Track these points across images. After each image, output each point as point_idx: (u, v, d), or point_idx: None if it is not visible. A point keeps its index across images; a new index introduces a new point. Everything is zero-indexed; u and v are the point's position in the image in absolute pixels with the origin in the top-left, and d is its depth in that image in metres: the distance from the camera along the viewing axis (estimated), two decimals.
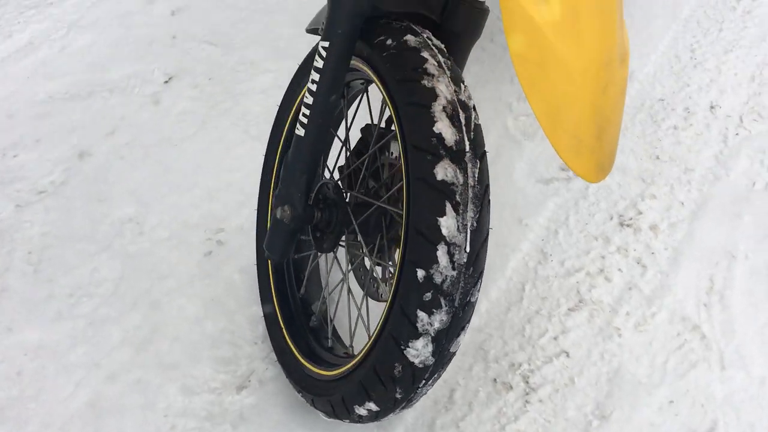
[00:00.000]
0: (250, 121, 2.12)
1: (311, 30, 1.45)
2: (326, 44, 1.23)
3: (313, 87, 1.26)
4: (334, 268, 1.52)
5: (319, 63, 1.24)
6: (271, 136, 1.61)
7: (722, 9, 2.47)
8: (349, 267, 1.40)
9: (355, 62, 1.27)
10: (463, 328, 1.14)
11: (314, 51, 1.45)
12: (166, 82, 2.25)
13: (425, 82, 1.13)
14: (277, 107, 1.61)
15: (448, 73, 1.15)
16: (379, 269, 1.39)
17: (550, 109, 0.84)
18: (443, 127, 1.09)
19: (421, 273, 1.08)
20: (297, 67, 2.26)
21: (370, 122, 1.44)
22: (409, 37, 1.20)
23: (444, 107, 1.11)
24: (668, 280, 1.69)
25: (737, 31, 2.38)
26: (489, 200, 1.12)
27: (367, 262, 1.37)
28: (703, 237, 1.77)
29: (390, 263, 1.35)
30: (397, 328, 1.11)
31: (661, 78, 2.21)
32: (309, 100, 1.27)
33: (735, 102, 2.13)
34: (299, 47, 2.35)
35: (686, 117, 2.09)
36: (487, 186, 1.12)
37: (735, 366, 1.54)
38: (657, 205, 1.85)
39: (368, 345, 1.19)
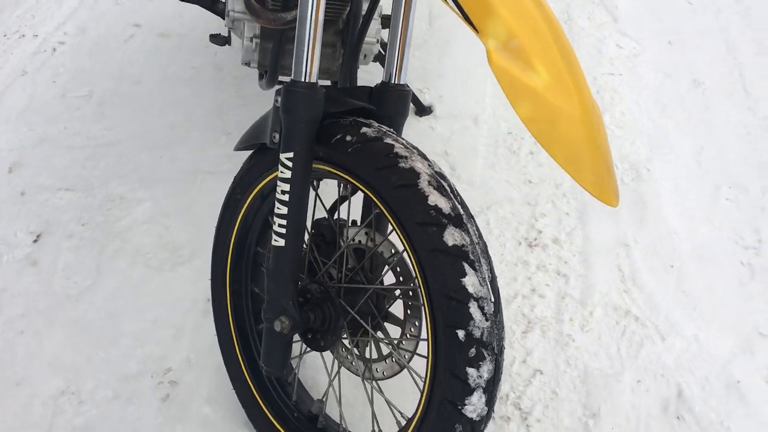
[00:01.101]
0: (148, 254, 2.05)
1: (246, 147, 1.48)
2: (290, 155, 1.28)
3: (285, 197, 1.30)
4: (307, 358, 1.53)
5: (285, 173, 1.29)
6: (214, 256, 1.60)
7: None
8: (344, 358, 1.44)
9: (315, 165, 1.33)
10: (502, 371, 1.23)
11: (249, 166, 1.49)
12: (35, 240, 2.10)
13: (403, 164, 1.23)
14: (215, 228, 1.60)
15: (415, 151, 1.26)
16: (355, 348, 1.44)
17: (569, 156, 0.99)
18: (437, 199, 1.19)
19: (461, 333, 1.15)
20: (172, 188, 2.25)
21: (320, 216, 1.50)
22: (365, 129, 1.29)
23: (429, 181, 1.21)
24: (589, 281, 1.91)
25: None
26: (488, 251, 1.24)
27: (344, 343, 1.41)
28: (597, 236, 2.03)
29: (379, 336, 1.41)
30: (450, 391, 1.17)
31: (501, 114, 2.50)
32: (282, 210, 1.30)
33: None
34: (164, 169, 2.33)
35: (535, 141, 2.38)
36: (484, 239, 1.24)
37: (671, 334, 1.79)
38: (549, 221, 2.09)
39: (418, 416, 1.24)
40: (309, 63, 1.26)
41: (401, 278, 1.39)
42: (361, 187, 1.27)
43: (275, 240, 1.33)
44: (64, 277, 1.99)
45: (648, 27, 2.88)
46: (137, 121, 2.54)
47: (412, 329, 1.39)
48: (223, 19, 2.22)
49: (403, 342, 1.40)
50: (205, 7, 2.17)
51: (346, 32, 1.78)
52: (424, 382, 1.23)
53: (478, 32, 1.04)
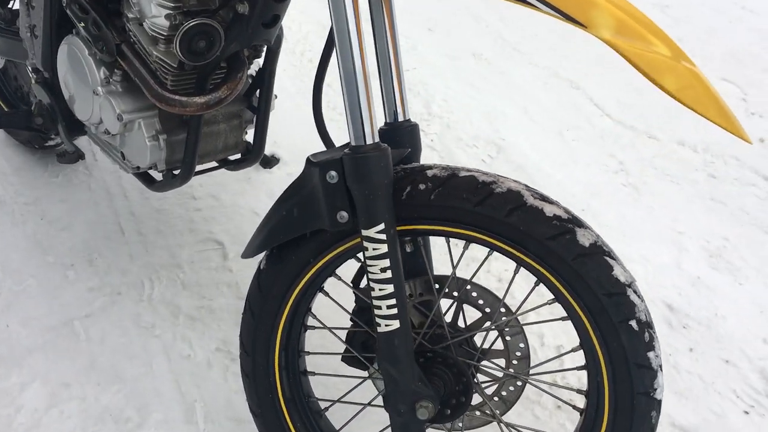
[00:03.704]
0: None
1: (269, 246, 1.26)
2: (380, 227, 1.12)
3: (387, 274, 1.14)
4: None
5: (380, 248, 1.12)
6: (256, 387, 1.33)
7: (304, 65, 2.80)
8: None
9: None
10: None
11: (277, 270, 1.28)
12: None
13: (498, 188, 1.15)
14: (241, 362, 1.34)
15: (492, 172, 1.20)
16: None
17: (719, 112, 1.02)
18: (552, 209, 1.14)
19: (633, 323, 1.13)
20: (51, 353, 1.78)
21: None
22: (430, 172, 1.18)
23: (533, 195, 1.15)
24: None
25: None
26: None
27: None
28: None
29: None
30: (640, 383, 1.13)
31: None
32: (387, 288, 1.14)
33: None
34: (22, 338, 1.85)
35: None
36: None
37: (626, 262, 1.96)
38: None
39: (606, 423, 1.20)
40: (369, 122, 1.12)
41: (487, 308, 1.32)
42: (461, 232, 1.17)
43: (387, 324, 1.17)
44: None
45: (406, 20, 3.04)
46: None
47: (518, 352, 1.34)
48: (44, 135, 1.83)
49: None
50: (18, 127, 1.76)
51: (251, 95, 1.60)
52: (600, 390, 1.19)
53: (586, 27, 1.02)
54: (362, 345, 1.37)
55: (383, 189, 1.13)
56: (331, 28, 1.12)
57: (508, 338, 1.33)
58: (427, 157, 2.37)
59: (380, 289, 1.15)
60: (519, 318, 1.31)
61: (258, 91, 1.57)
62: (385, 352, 1.18)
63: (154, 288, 1.95)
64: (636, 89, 2.62)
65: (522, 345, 1.33)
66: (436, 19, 3.07)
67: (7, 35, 1.89)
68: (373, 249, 1.13)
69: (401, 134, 1.31)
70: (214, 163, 1.74)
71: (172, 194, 2.27)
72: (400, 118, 1.32)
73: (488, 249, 1.21)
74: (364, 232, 1.13)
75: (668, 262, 1.97)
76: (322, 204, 1.16)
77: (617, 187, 2.22)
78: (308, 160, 1.21)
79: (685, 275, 1.93)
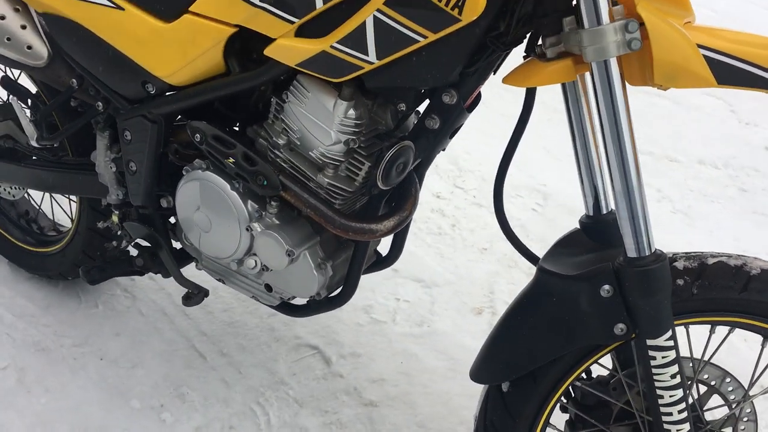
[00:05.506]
0: None
1: (514, 372, 1.20)
2: (668, 335, 1.10)
3: (675, 380, 1.12)
4: None
5: (669, 355, 1.10)
6: None
7: None
8: None
9: None
10: None
11: (525, 398, 1.21)
12: None
13: (754, 270, 1.16)
14: None
15: (738, 254, 1.21)
16: None
17: None
18: None
19: None
20: None
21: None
22: (679, 264, 1.18)
23: None
24: None
25: None
26: None
27: None
28: None
29: None
30: None
31: None
32: (676, 395, 1.12)
33: None
34: None
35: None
36: None
37: None
38: None
39: None
40: (646, 230, 1.11)
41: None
42: (720, 319, 1.18)
43: (678, 430, 1.14)
44: None
45: None
46: None
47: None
48: (141, 275, 1.65)
49: None
50: (123, 275, 1.58)
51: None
52: None
53: None
54: None
55: (668, 298, 1.11)
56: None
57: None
58: (477, 216, 2.36)
59: (671, 396, 1.13)
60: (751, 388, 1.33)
61: None
62: None
63: (268, 413, 1.80)
64: (634, 112, 2.73)
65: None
66: None
67: (63, 169, 1.68)
68: (662, 357, 1.11)
69: (607, 227, 1.29)
70: None
71: (236, 303, 2.10)
72: (604, 210, 1.30)
73: (728, 327, 1.22)
74: (651, 342, 1.11)
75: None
76: (595, 319, 1.13)
77: (669, 216, 2.31)
78: (547, 271, 1.17)
79: None
